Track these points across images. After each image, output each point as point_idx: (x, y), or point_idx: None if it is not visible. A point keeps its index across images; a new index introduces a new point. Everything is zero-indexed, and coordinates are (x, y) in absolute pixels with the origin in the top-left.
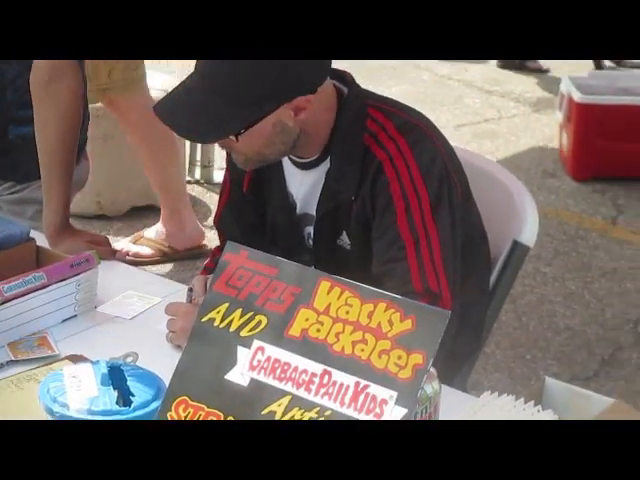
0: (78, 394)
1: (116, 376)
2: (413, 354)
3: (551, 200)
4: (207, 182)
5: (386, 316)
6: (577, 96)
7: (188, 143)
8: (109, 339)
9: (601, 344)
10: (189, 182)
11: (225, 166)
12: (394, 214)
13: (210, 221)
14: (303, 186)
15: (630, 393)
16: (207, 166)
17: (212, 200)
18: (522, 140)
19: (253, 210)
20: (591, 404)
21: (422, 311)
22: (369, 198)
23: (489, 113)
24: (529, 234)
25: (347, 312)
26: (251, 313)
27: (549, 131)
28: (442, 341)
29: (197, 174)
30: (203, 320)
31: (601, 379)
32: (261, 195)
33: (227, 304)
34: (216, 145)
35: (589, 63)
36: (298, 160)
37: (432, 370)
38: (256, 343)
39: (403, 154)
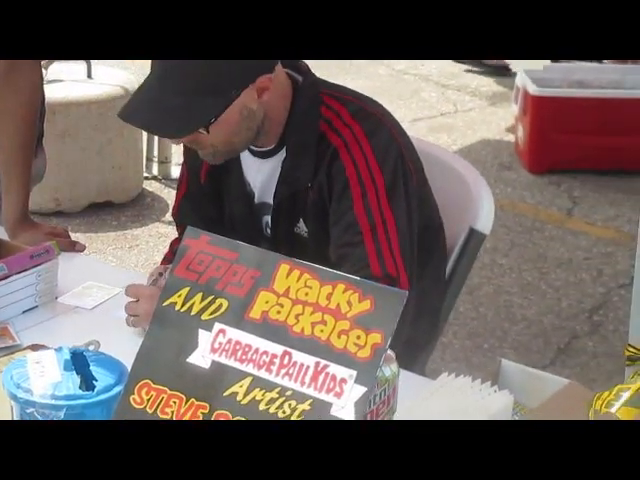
0: (41, 380)
1: (79, 362)
2: (372, 334)
3: (507, 192)
4: (165, 178)
5: (345, 297)
6: (532, 89)
7: (145, 139)
8: (70, 329)
9: (557, 333)
10: (147, 178)
11: (182, 160)
12: (350, 199)
13: (168, 216)
14: (260, 175)
15: (586, 380)
16: (164, 162)
17: (170, 196)
18: (478, 133)
19: (211, 201)
20: (546, 385)
21: (380, 292)
22: (325, 184)
23: (445, 107)
24: (485, 221)
25: (306, 294)
26: (212, 297)
27: (505, 124)
28: (399, 326)
29: (154, 170)
30: (164, 304)
31: (557, 367)
32: (219, 186)
33: (188, 288)
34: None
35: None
36: (256, 149)
37: (390, 353)
38: (217, 326)
39: (359, 140)
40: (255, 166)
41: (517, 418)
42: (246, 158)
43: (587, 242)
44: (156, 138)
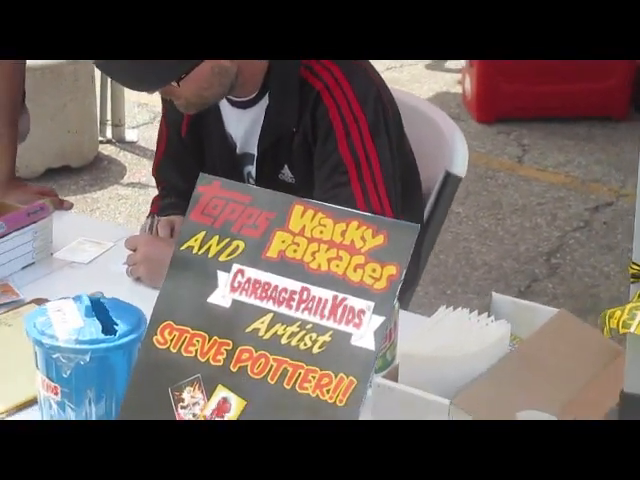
0: (64, 326)
1: (98, 308)
2: (387, 266)
3: None
4: (119, 141)
5: (359, 233)
6: None
7: (98, 103)
8: (69, 283)
9: (517, 276)
10: (101, 142)
11: (161, 114)
12: (335, 141)
13: (126, 179)
14: (242, 125)
15: None
16: (118, 125)
17: (125, 159)
18: (425, 86)
19: (192, 155)
20: (537, 315)
21: (393, 226)
22: (310, 127)
23: (391, 62)
24: (460, 165)
25: (321, 232)
26: (228, 239)
27: (451, 77)
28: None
29: (108, 133)
30: (182, 249)
31: None
32: (200, 139)
33: (204, 232)
34: (125, 104)
35: None
36: (236, 99)
37: None
38: (235, 267)
39: (339, 83)
40: (236, 117)
41: (512, 349)
42: (226, 110)
43: (539, 188)
44: (109, 102)
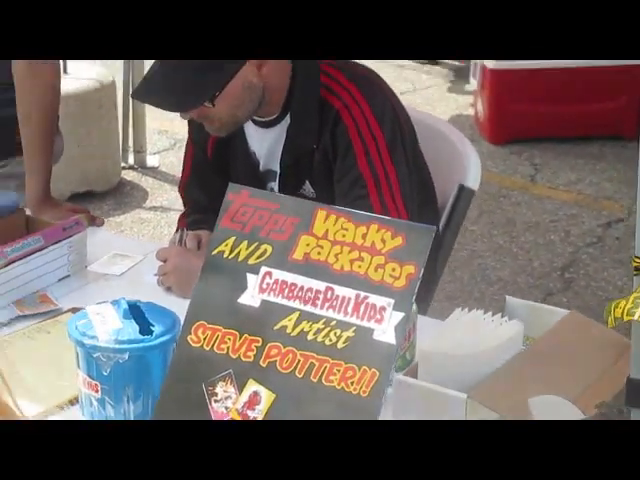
0: (104, 327)
1: (135, 311)
2: (406, 265)
3: None
4: (141, 167)
5: (379, 235)
6: (490, 63)
7: (120, 130)
8: (103, 293)
9: (532, 291)
10: (123, 168)
11: (188, 136)
12: (354, 157)
13: (148, 203)
14: (265, 143)
15: None
16: (140, 151)
17: (147, 184)
18: (438, 109)
19: (217, 174)
20: (550, 317)
21: (411, 228)
22: (330, 145)
23: (404, 86)
24: (474, 178)
25: (343, 235)
26: (256, 243)
27: (463, 100)
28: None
29: (131, 160)
30: (213, 253)
31: None
32: (225, 158)
33: (234, 237)
34: (147, 131)
35: None
36: (259, 119)
37: None
38: (263, 269)
39: (358, 102)
40: (259, 136)
41: (525, 348)
42: (250, 129)
43: (552, 206)
44: (131, 129)
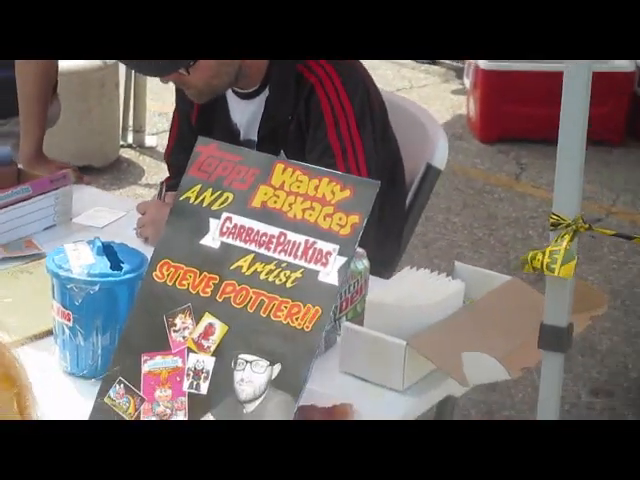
0: (78, 262)
1: (108, 250)
2: (351, 215)
3: (459, 159)
4: (139, 146)
5: (329, 188)
6: (482, 64)
7: (121, 109)
8: None
9: None
10: (122, 146)
11: (174, 105)
12: (325, 129)
13: (144, 180)
14: (245, 114)
15: None
16: (139, 131)
17: (144, 162)
18: (432, 107)
19: None
20: (494, 281)
21: (358, 182)
22: (304, 116)
23: (401, 83)
24: (440, 158)
25: (298, 187)
26: (220, 191)
27: (457, 99)
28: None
29: (130, 139)
30: (181, 199)
31: None
32: (208, 127)
33: (200, 185)
34: (147, 111)
35: None
36: (240, 91)
37: (361, 250)
38: (225, 215)
39: (331, 78)
40: (240, 107)
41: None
42: (232, 100)
43: (533, 203)
44: (132, 108)
